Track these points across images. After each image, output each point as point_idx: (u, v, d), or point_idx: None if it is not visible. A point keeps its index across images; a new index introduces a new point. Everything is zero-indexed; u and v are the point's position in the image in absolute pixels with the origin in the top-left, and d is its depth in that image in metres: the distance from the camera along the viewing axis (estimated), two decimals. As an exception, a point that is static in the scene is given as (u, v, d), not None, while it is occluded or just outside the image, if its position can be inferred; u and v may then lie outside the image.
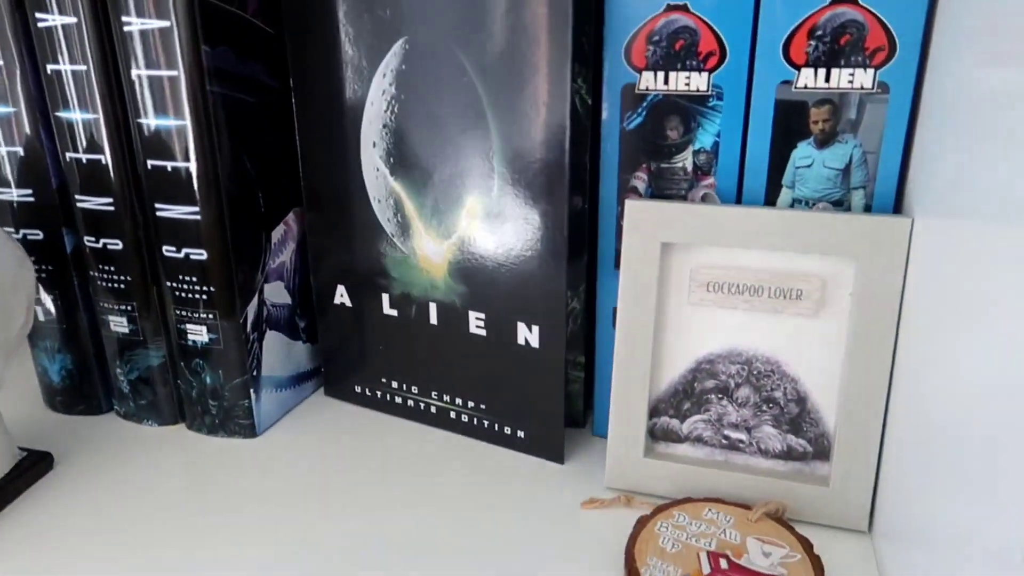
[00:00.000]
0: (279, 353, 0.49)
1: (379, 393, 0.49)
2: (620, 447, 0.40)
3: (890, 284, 0.34)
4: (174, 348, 0.46)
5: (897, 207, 0.37)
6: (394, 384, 0.49)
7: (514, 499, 0.41)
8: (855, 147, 0.37)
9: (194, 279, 0.44)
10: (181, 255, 0.43)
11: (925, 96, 0.35)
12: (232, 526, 0.39)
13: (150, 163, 0.42)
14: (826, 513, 0.37)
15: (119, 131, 0.42)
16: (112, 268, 0.45)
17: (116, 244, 0.44)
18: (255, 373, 0.46)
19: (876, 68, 0.35)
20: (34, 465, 0.43)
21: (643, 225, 0.37)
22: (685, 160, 0.39)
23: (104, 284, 0.46)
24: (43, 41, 0.41)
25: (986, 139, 0.27)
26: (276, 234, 0.47)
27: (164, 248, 0.44)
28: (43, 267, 0.46)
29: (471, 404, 0.46)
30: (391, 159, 0.43)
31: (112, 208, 0.43)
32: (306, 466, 0.45)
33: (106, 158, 0.42)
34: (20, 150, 0.44)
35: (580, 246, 0.43)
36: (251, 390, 0.46)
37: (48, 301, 0.47)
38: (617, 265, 0.42)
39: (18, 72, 0.42)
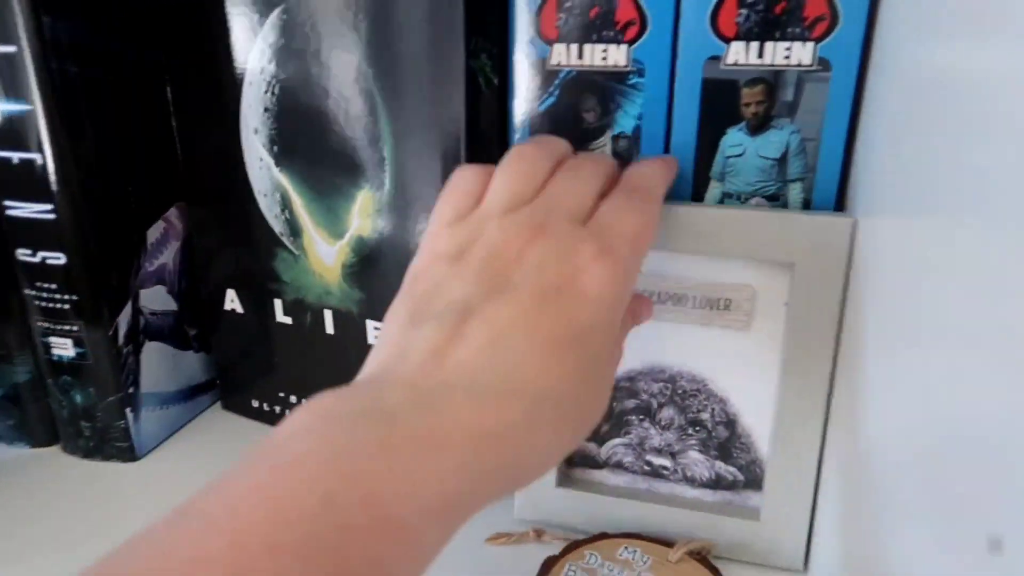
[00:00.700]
0: (163, 366, 0.43)
1: (278, 408, 0.44)
2: (534, 474, 0.35)
3: (829, 294, 0.30)
4: (41, 363, 0.41)
5: (840, 203, 0.33)
6: (292, 399, 0.43)
7: (416, 533, 0.36)
8: (792, 134, 0.32)
9: (54, 286, 0.38)
10: (37, 259, 0.38)
11: (872, 74, 0.30)
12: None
13: (-9, 154, 0.36)
14: (757, 550, 0.33)
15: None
16: (-39, 274, 0.39)
17: (-37, 247, 0.39)
18: (131, 390, 0.41)
19: (816, 41, 0.30)
20: None
21: (552, 224, 0.32)
22: (604, 146, 0.34)
23: (-46, 291, 0.40)
24: None
25: (941, 125, 0.23)
26: (153, 233, 0.41)
27: (18, 252, 0.38)
28: None
29: (376, 422, 0.41)
30: (275, 147, 0.37)
31: (-46, 205, 0.38)
32: (191, 491, 0.40)
33: (-59, 148, 0.37)
34: None
35: (491, 246, 0.38)
36: (127, 409, 0.41)
37: None
38: (532, 267, 0.37)
39: None
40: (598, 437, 0.35)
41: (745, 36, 0.31)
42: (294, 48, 0.35)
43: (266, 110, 0.37)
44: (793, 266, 0.30)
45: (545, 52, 0.33)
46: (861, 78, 0.31)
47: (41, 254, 0.38)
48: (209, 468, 0.41)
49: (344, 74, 0.34)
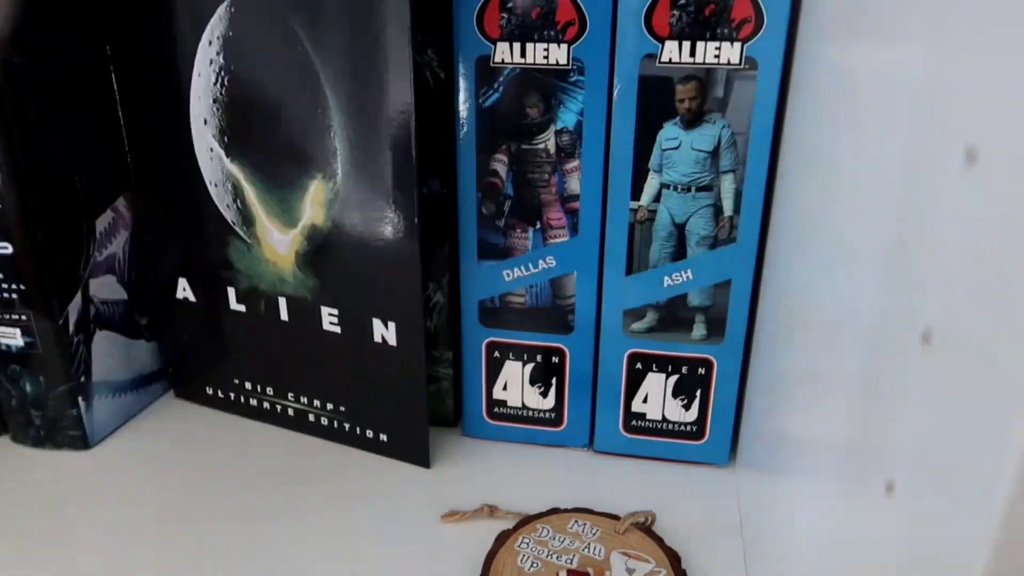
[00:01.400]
0: (115, 355, 0.43)
1: (232, 395, 0.45)
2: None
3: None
4: (-12, 353, 0.41)
5: (768, 192, 0.35)
6: (247, 385, 0.44)
7: (374, 510, 0.38)
8: (723, 128, 0.34)
9: (0, 276, 0.38)
10: (-17, 249, 0.38)
11: (794, 73, 0.33)
12: (61, 548, 0.35)
13: (-66, 144, 0.36)
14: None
15: None
16: (-96, 264, 0.39)
17: (-95, 237, 0.38)
18: (83, 379, 0.41)
19: (743, 41, 0.33)
20: None
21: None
22: (547, 141, 0.36)
23: None
24: None
25: (851, 120, 0.25)
26: (102, 222, 0.41)
27: (-37, 241, 0.38)
28: None
29: (330, 406, 0.42)
30: (225, 138, 0.38)
31: None
32: (146, 478, 0.40)
33: None
34: None
35: (440, 234, 0.39)
36: (79, 398, 0.41)
37: None
38: (481, 255, 0.39)
39: None
40: (544, 416, 0.37)
41: (678, 36, 0.33)
42: (243, 40, 0.36)
43: (215, 101, 0.38)
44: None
45: (488, 50, 0.35)
46: (785, 76, 0.33)
47: (-13, 245, 0.38)
48: (162, 455, 0.42)
49: (293, 67, 0.35)
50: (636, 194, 0.36)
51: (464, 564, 0.34)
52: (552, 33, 0.34)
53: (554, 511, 0.35)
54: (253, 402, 0.45)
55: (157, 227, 0.42)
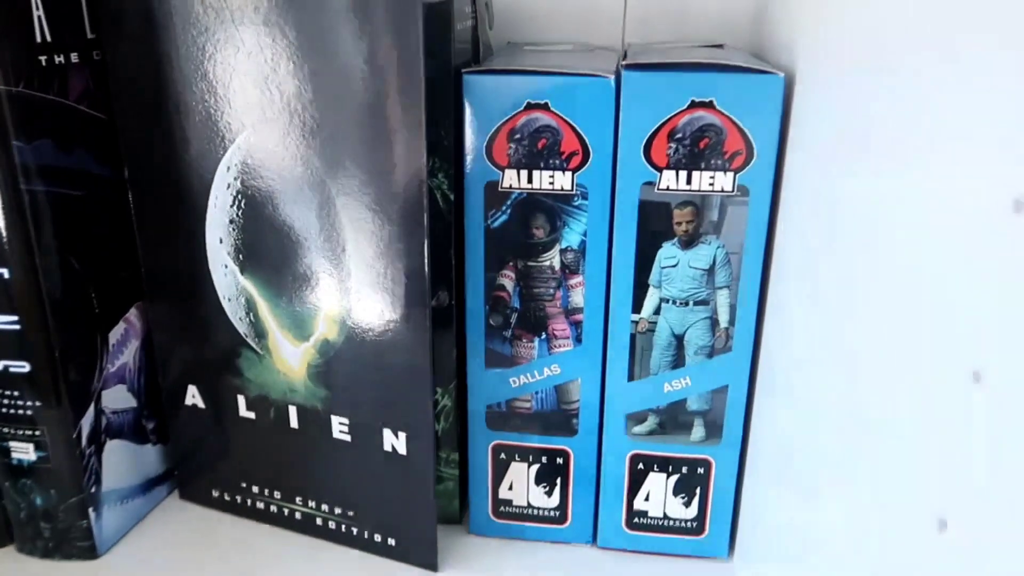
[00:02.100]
0: (124, 463, 0.44)
1: (239, 498, 0.46)
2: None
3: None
4: (-3, 466, 0.41)
5: (760, 306, 0.37)
6: (255, 489, 0.45)
7: (384, 620, 0.38)
8: (718, 248, 0.36)
9: (16, 393, 0.39)
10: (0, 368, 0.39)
11: (783, 199, 0.35)
12: None
13: (-44, 270, 0.37)
14: None
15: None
16: (-83, 383, 0.39)
17: (-79, 357, 0.39)
18: (93, 490, 0.42)
19: (735, 172, 0.35)
20: None
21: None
22: (553, 259, 0.38)
23: (-92, 400, 0.40)
24: None
25: (835, 243, 0.27)
26: (115, 335, 0.42)
27: (-21, 361, 0.39)
28: None
29: (338, 510, 0.43)
30: (240, 256, 0.39)
31: (-87, 318, 0.38)
32: (155, 589, 0.41)
33: (-97, 263, 0.37)
34: None
35: (448, 343, 0.41)
36: (89, 509, 0.42)
37: None
38: (489, 363, 0.40)
39: None
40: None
41: (675, 166, 0.35)
42: (262, 167, 0.37)
43: (231, 221, 0.39)
44: None
45: (497, 176, 0.37)
46: (775, 201, 0.36)
47: (4, 363, 0.39)
48: (170, 561, 0.42)
49: (309, 193, 0.37)
50: (637, 307, 0.38)
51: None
52: (557, 162, 0.36)
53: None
54: (260, 505, 0.45)
55: (168, 337, 0.43)
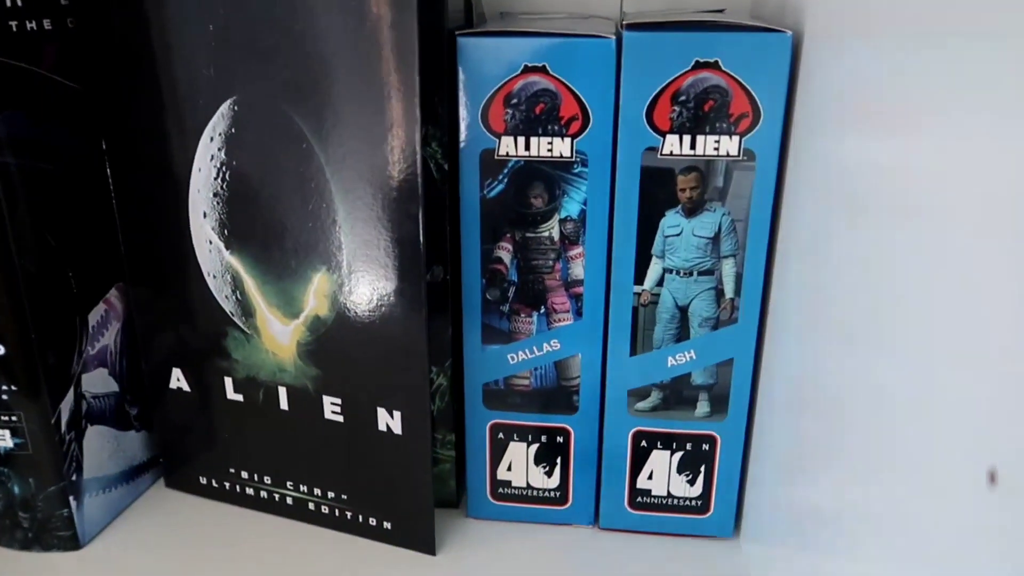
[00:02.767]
0: (106, 449, 0.42)
1: (227, 484, 0.44)
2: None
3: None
4: (-28, 454, 0.39)
5: (767, 277, 0.36)
6: (244, 474, 0.43)
7: (381, 606, 0.37)
8: (723, 215, 0.35)
9: (-10, 377, 0.37)
10: (-28, 350, 0.37)
11: (790, 164, 0.34)
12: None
13: (-77, 247, 0.35)
14: None
15: None
16: None
17: None
18: (74, 478, 0.40)
19: (741, 135, 0.34)
20: None
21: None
22: (552, 229, 0.36)
23: None
24: None
25: (845, 209, 0.26)
26: (94, 316, 0.40)
27: (-49, 343, 0.37)
28: None
29: (331, 494, 0.42)
30: (225, 231, 0.38)
31: None
32: (140, 580, 0.39)
33: None
34: None
35: (444, 320, 0.39)
36: (70, 497, 0.40)
37: None
38: (485, 339, 0.39)
39: None
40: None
41: (678, 130, 0.34)
42: (246, 136, 0.36)
43: (215, 195, 0.37)
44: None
45: (493, 143, 0.35)
46: (782, 166, 0.34)
47: (-23, 346, 0.37)
48: (155, 552, 0.41)
49: (297, 163, 0.35)
50: (639, 278, 0.37)
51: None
52: (556, 127, 0.35)
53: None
54: (250, 491, 0.44)
55: (151, 318, 0.42)
